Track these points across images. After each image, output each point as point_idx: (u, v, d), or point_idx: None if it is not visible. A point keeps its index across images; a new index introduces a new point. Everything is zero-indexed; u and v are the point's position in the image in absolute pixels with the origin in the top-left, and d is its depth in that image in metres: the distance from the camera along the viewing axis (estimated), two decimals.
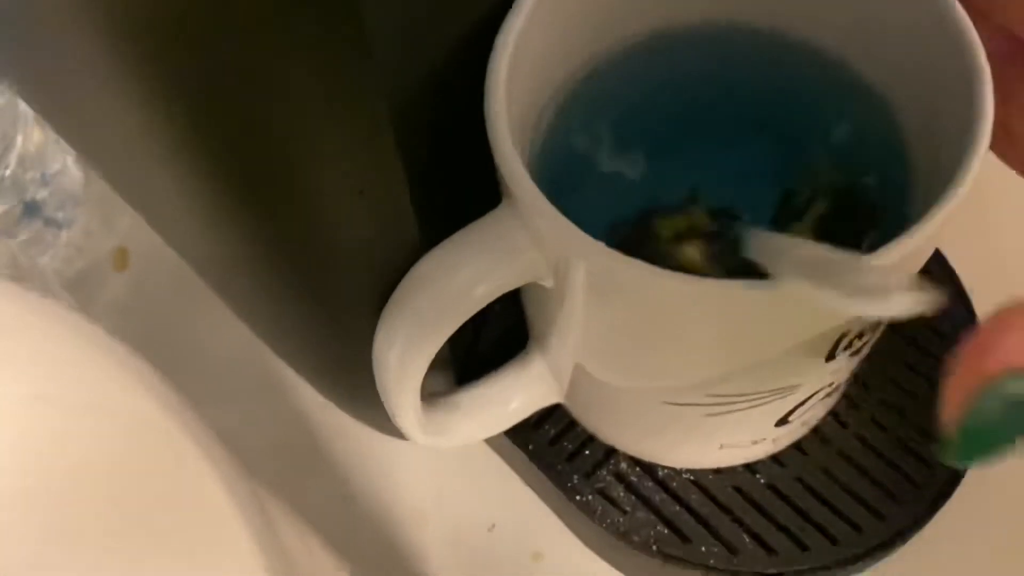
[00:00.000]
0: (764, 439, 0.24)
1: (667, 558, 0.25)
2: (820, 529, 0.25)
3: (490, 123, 0.18)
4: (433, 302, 0.19)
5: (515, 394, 0.25)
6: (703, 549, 0.25)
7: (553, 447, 0.27)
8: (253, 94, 0.15)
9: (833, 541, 0.25)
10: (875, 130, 0.21)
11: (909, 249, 0.17)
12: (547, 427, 0.27)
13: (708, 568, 0.25)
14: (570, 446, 0.27)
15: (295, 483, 0.30)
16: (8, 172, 0.35)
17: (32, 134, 0.35)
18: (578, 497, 0.26)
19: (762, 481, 0.26)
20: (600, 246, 0.17)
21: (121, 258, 0.36)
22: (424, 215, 0.19)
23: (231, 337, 0.32)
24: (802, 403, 0.22)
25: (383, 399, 0.22)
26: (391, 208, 0.18)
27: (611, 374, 0.22)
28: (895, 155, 0.21)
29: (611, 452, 0.27)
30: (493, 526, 0.29)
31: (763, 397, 0.21)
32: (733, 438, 0.24)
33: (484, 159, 0.19)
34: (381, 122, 0.16)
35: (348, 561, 0.27)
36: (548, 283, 0.19)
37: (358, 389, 0.29)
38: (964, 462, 0.16)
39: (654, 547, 0.26)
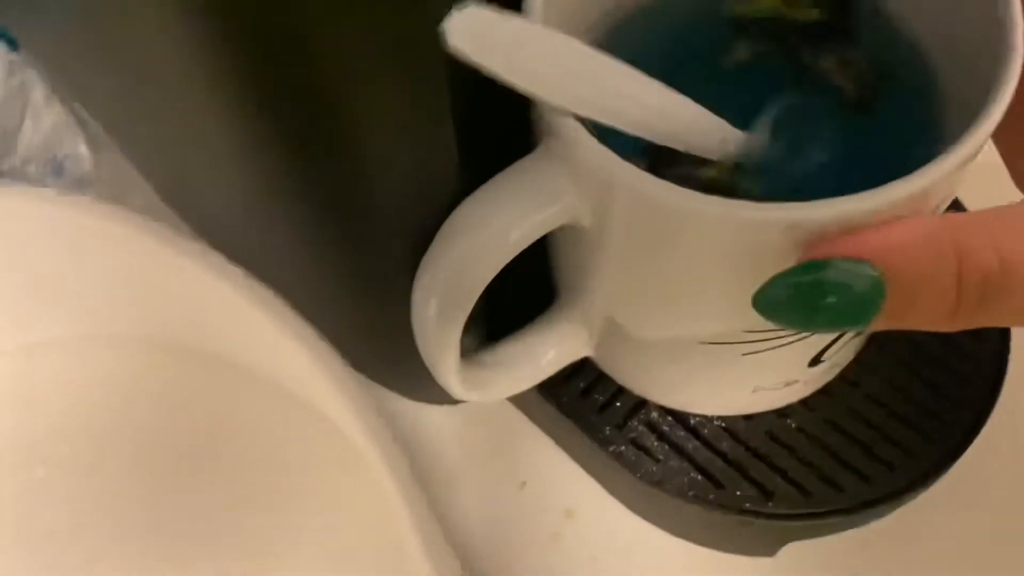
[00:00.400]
0: (796, 381, 0.24)
1: (702, 504, 0.26)
2: (852, 469, 0.26)
3: None
4: (472, 248, 0.20)
5: (547, 348, 0.25)
6: (738, 494, 0.26)
7: (584, 400, 0.27)
8: (298, 27, 0.15)
9: (866, 480, 0.26)
10: (906, 71, 0.21)
11: (938, 176, 0.17)
12: (577, 380, 0.27)
13: (744, 512, 0.26)
14: (601, 398, 0.27)
15: None
16: (18, 157, 0.35)
17: (43, 119, 0.35)
18: (611, 448, 0.26)
19: (793, 425, 0.26)
20: (644, 175, 0.17)
21: None
22: (467, 158, 0.19)
23: None
24: (835, 340, 0.22)
25: (423, 352, 0.22)
26: (435, 147, 0.18)
27: (645, 321, 0.22)
28: (925, 94, 0.21)
29: (642, 402, 0.27)
30: (524, 484, 0.30)
31: (799, 332, 0.21)
32: (767, 380, 0.24)
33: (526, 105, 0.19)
34: (432, 55, 0.16)
35: None
36: (585, 222, 0.19)
37: (386, 353, 0.29)
38: (762, 309, 0.17)
39: (689, 494, 0.26)
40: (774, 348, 0.21)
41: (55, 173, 0.37)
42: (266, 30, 0.15)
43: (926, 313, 0.16)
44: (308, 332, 0.14)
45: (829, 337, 0.22)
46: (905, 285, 0.16)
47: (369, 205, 0.20)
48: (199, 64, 0.17)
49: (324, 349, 0.14)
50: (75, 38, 0.21)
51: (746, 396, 0.25)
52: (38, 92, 0.35)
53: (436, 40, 0.16)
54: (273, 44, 0.16)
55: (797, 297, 0.17)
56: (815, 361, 0.23)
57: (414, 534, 0.13)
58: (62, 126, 0.36)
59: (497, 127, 0.20)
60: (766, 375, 0.24)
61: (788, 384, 0.24)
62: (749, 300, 0.20)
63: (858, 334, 0.24)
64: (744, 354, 0.22)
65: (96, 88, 0.23)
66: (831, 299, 0.16)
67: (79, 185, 0.37)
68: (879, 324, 0.17)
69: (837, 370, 0.26)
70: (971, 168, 0.18)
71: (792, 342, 0.21)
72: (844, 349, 0.24)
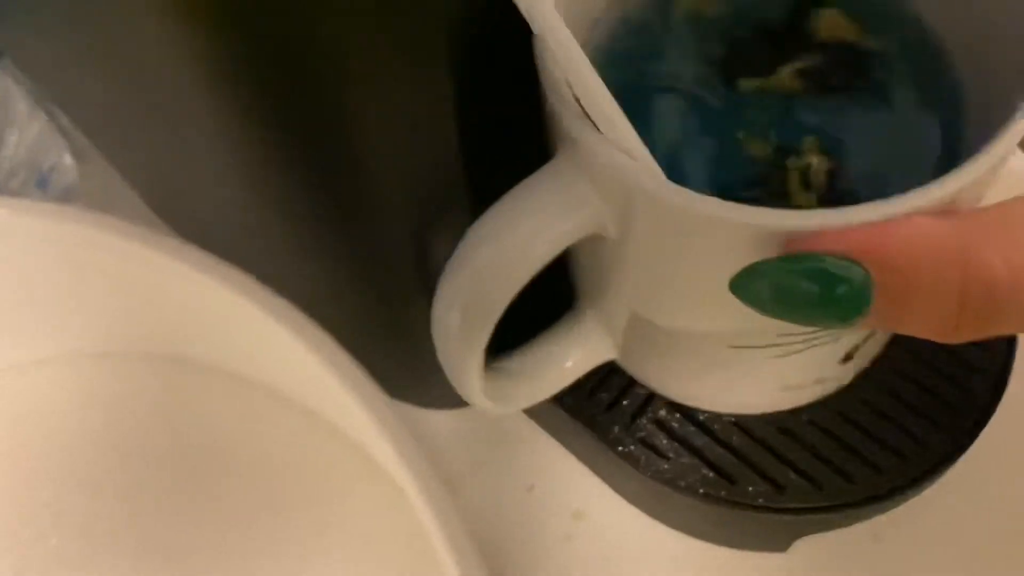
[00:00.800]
0: (827, 378, 0.24)
1: (715, 500, 0.25)
2: (864, 460, 0.25)
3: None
4: (498, 258, 0.19)
5: (569, 354, 0.24)
6: (750, 489, 0.25)
7: (590, 400, 0.27)
8: (298, 26, 0.15)
9: (878, 471, 0.25)
10: (928, 72, 0.21)
11: (962, 183, 0.16)
12: (583, 381, 0.27)
13: (756, 508, 0.25)
14: (607, 397, 0.27)
15: None
16: (2, 170, 0.34)
17: (27, 130, 0.34)
18: (620, 448, 0.26)
19: (803, 418, 0.26)
20: (667, 182, 0.16)
21: None
22: (472, 159, 0.19)
23: None
24: (869, 336, 0.22)
25: (445, 365, 0.22)
26: (440, 146, 0.18)
27: (681, 322, 0.21)
28: (949, 96, 0.20)
29: (649, 400, 0.26)
30: (532, 487, 0.29)
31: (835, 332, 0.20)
32: (798, 378, 0.23)
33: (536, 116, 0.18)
34: (439, 49, 0.16)
35: None
36: (609, 229, 0.19)
37: (390, 360, 0.29)
38: (740, 296, 0.17)
39: (701, 491, 0.25)
40: (811, 348, 0.21)
41: (40, 185, 0.36)
42: (264, 30, 0.14)
43: (923, 320, 0.15)
44: (340, 356, 0.13)
45: (864, 333, 0.22)
46: (897, 288, 0.15)
47: (371, 210, 0.20)
48: (192, 68, 0.16)
49: (357, 374, 0.13)
50: (61, 45, 0.20)
51: (776, 394, 0.24)
52: (21, 103, 0.34)
53: (442, 40, 0.15)
54: (270, 43, 0.15)
55: (775, 288, 0.16)
56: (847, 357, 0.23)
57: (448, 551, 0.12)
58: (46, 137, 0.35)
59: (503, 132, 0.20)
60: (798, 374, 0.23)
61: (818, 381, 0.24)
62: None
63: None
64: (777, 356, 0.21)
65: (82, 96, 0.23)
66: (811, 294, 0.15)
67: (65, 196, 0.37)
68: (867, 325, 0.16)
69: (865, 362, 0.25)
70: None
71: (828, 342, 0.21)
72: (875, 340, 0.23)
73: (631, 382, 0.27)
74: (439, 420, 0.30)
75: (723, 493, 0.25)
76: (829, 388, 0.25)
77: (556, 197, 0.18)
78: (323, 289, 0.25)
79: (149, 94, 0.19)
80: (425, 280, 0.24)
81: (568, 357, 0.24)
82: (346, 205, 0.20)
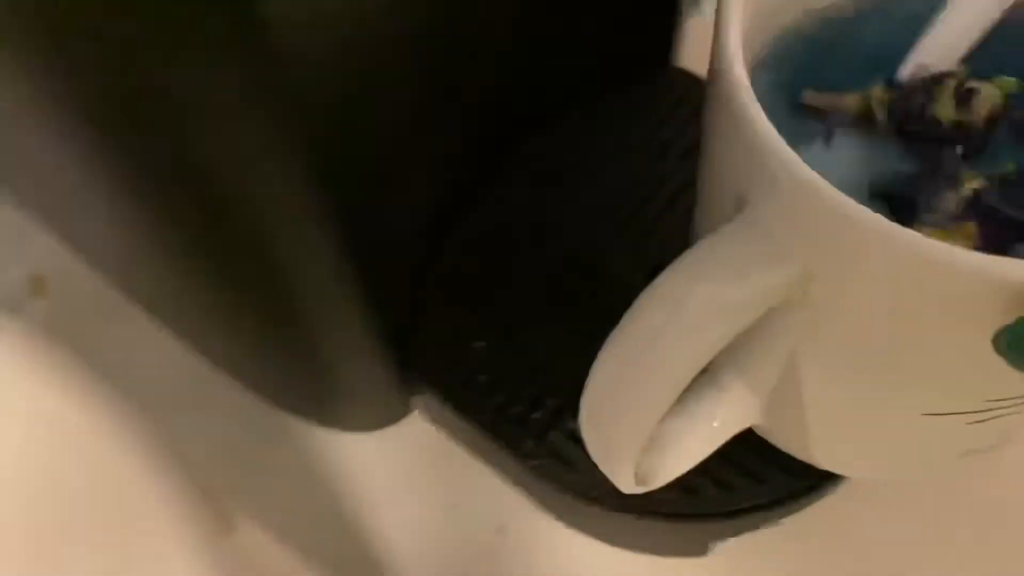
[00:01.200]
0: (1007, 441, 0.21)
1: (628, 510, 0.25)
2: (774, 461, 0.25)
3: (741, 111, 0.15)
4: (674, 327, 0.16)
5: (710, 419, 0.22)
6: (662, 497, 0.25)
7: (503, 414, 0.27)
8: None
9: (788, 471, 0.25)
10: None
11: None
12: (496, 395, 0.27)
13: (668, 516, 0.25)
14: (519, 410, 0.27)
15: (246, 487, 0.29)
16: None
17: None
18: (532, 461, 0.26)
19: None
20: (919, 235, 0.14)
21: (39, 285, 0.35)
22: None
23: (162, 351, 0.31)
24: None
25: (593, 447, 0.20)
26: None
27: (879, 396, 0.19)
28: None
29: (559, 411, 0.26)
30: (455, 505, 0.29)
31: None
32: (983, 443, 0.20)
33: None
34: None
35: (309, 556, 0.26)
36: (810, 294, 0.16)
37: (307, 388, 0.29)
38: (1007, 352, 0.14)
39: (612, 501, 0.25)
40: (1010, 415, 0.18)
41: None
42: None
43: None
44: None
45: None
46: None
47: (276, 243, 0.20)
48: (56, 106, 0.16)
49: None
50: None
51: (951, 460, 0.22)
52: None
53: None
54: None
55: None
56: None
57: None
58: None
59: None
60: (985, 438, 0.20)
61: (995, 444, 0.21)
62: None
63: None
64: (973, 423, 0.18)
65: None
66: None
67: None
68: None
69: None
70: None
71: None
72: None
73: (541, 394, 0.27)
74: (361, 443, 0.30)
75: (635, 502, 0.25)
76: (1001, 450, 0.22)
77: (750, 249, 0.16)
78: (230, 325, 0.25)
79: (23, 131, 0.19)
80: (339, 305, 0.23)
81: (710, 422, 0.21)
82: (240, 229, 0.20)
